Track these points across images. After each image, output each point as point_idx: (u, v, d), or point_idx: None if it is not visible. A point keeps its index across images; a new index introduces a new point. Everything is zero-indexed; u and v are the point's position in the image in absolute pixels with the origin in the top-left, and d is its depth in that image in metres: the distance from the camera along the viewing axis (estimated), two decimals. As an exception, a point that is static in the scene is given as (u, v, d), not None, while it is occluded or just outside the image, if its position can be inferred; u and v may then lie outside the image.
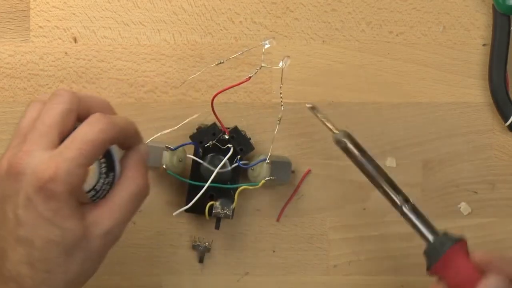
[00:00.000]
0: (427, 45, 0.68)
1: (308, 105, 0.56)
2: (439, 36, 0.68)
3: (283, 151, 0.67)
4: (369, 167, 0.54)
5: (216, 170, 0.64)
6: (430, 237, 0.52)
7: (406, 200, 0.53)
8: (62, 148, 0.50)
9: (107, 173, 0.53)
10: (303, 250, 0.68)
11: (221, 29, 0.67)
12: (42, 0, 0.66)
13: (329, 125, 0.55)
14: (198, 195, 0.64)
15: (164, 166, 0.65)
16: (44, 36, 0.66)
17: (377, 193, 0.68)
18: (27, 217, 0.49)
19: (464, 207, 0.69)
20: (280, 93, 0.60)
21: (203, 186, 0.64)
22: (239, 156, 0.64)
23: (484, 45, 0.68)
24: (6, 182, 0.51)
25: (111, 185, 0.53)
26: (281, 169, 0.66)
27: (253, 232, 0.68)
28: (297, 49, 0.67)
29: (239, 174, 0.65)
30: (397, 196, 0.53)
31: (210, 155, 0.65)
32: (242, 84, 0.57)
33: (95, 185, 0.53)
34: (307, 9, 0.67)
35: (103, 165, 0.53)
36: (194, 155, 0.65)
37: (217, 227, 0.66)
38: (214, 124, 0.65)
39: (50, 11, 0.66)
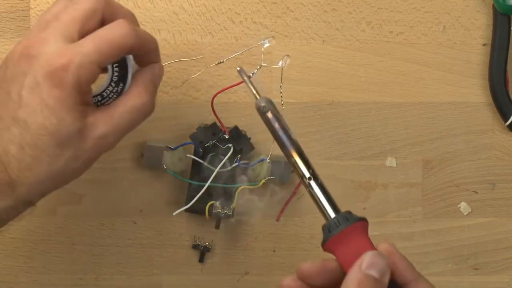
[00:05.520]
0: (427, 45, 0.68)
1: (238, 68, 0.56)
2: (439, 36, 0.68)
3: (283, 151, 0.67)
4: (285, 138, 0.53)
5: (216, 170, 0.64)
6: (332, 214, 0.51)
7: (315, 176, 0.52)
8: (81, 42, 0.51)
9: (117, 83, 0.54)
10: (303, 250, 0.68)
11: (221, 29, 0.67)
12: (43, 0, 0.66)
13: (253, 90, 0.55)
14: (198, 195, 0.64)
15: (164, 166, 0.65)
16: (44, 36, 0.66)
17: (377, 193, 0.68)
18: (30, 100, 0.50)
19: (464, 207, 0.69)
20: (281, 92, 0.60)
21: (203, 186, 0.64)
22: (239, 155, 0.64)
23: (484, 45, 0.68)
24: (17, 64, 0.51)
25: (118, 95, 0.55)
26: (281, 169, 0.66)
27: (253, 232, 0.68)
28: (297, 49, 0.67)
29: (239, 174, 0.65)
30: (308, 170, 0.52)
31: (210, 155, 0.65)
32: (242, 84, 0.57)
33: (103, 91, 0.54)
34: (307, 9, 0.67)
35: (116, 74, 0.54)
36: (194, 155, 0.65)
37: (217, 226, 0.66)
38: (214, 123, 0.65)
39: (50, 10, 0.66)
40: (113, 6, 0.54)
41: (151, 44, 0.55)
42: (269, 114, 0.53)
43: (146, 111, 0.55)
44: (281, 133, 0.53)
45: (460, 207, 0.69)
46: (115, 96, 0.55)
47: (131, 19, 0.56)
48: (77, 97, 0.50)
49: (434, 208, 0.68)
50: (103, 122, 0.53)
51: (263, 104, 0.53)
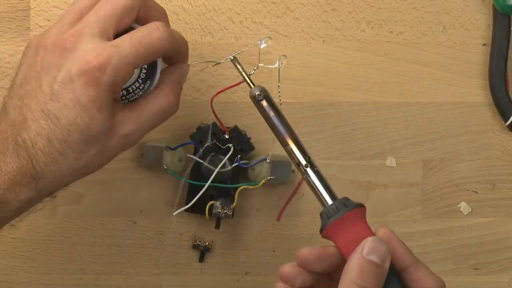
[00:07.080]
0: (427, 45, 0.68)
1: (231, 57, 0.56)
2: (439, 36, 0.68)
3: (283, 150, 0.67)
4: (280, 125, 0.53)
5: (216, 170, 0.64)
6: (329, 201, 0.51)
7: (311, 163, 0.52)
8: (119, 42, 0.51)
9: (144, 80, 0.54)
10: (303, 250, 0.68)
11: (221, 29, 0.67)
12: (43, 0, 0.66)
13: (247, 79, 0.55)
14: (198, 195, 0.64)
15: (164, 166, 0.65)
16: (44, 35, 0.66)
17: (377, 193, 0.68)
18: (62, 95, 0.50)
19: (464, 207, 0.69)
20: (279, 92, 0.60)
21: (203, 186, 0.64)
22: (239, 155, 0.64)
23: (484, 45, 0.68)
24: (50, 54, 0.51)
25: (144, 92, 0.55)
26: (281, 168, 0.66)
27: (253, 232, 0.68)
28: (297, 49, 0.67)
29: (239, 174, 0.65)
30: (304, 157, 0.52)
31: (210, 155, 0.65)
32: (242, 84, 0.57)
33: (129, 86, 0.54)
34: (307, 9, 0.67)
35: (144, 71, 0.54)
36: (194, 155, 0.65)
37: (217, 227, 0.66)
38: (214, 123, 0.65)
39: (51, 10, 0.66)
40: (148, 3, 0.54)
41: (183, 47, 0.56)
42: (264, 102, 0.54)
43: (172, 112, 0.55)
44: (276, 120, 0.53)
45: (460, 207, 0.69)
46: (140, 92, 0.55)
47: (164, 17, 0.56)
48: (109, 97, 0.51)
49: (434, 208, 0.68)
50: (130, 121, 0.53)
51: (257, 93, 0.54)
